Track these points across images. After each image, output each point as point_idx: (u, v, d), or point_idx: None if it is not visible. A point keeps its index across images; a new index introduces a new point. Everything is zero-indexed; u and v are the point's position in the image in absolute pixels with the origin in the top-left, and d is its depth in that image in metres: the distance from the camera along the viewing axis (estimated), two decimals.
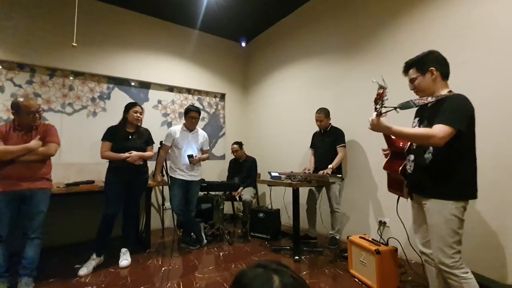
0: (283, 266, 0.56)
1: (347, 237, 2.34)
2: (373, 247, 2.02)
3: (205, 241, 3.07)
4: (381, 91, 1.31)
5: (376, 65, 2.92)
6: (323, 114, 3.07)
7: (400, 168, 1.58)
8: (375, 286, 1.97)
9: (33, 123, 2.12)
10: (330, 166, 2.90)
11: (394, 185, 1.70)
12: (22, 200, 2.03)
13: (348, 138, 3.07)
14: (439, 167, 1.41)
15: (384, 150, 1.76)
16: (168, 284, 2.17)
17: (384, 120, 1.40)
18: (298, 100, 3.92)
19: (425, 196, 1.46)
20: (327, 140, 3.08)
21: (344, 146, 3.01)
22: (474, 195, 1.41)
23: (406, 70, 1.59)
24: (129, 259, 2.55)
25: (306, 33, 3.80)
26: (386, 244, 2.12)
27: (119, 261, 2.49)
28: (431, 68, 1.47)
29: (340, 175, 2.94)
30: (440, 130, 1.32)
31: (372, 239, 2.21)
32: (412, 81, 1.56)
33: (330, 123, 3.14)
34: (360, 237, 2.26)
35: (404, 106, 1.41)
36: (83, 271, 2.30)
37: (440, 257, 1.38)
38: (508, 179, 1.95)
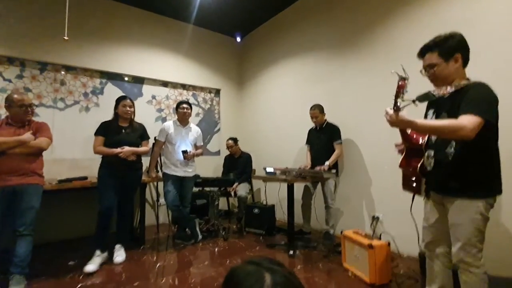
0: (276, 264, 0.55)
1: (341, 232, 2.37)
2: (366, 242, 2.05)
3: (200, 236, 3.07)
4: (402, 82, 1.17)
5: (371, 62, 2.93)
6: (318, 110, 3.08)
7: (419, 165, 1.45)
8: (368, 279, 2.00)
9: (24, 117, 2.11)
10: (326, 163, 2.91)
11: (410, 182, 1.57)
12: (13, 196, 2.00)
13: (342, 134, 3.08)
14: (464, 163, 1.29)
15: (397, 145, 1.63)
16: (163, 280, 2.17)
17: (404, 114, 1.24)
18: (293, 96, 3.92)
19: (451, 195, 1.34)
20: (323, 137, 3.09)
21: (341, 143, 3.02)
22: (500, 190, 1.32)
23: (422, 53, 1.40)
24: (124, 255, 2.54)
25: (301, 28, 3.79)
26: (379, 239, 2.15)
27: (114, 257, 2.48)
28: (457, 54, 1.31)
29: (335, 171, 2.96)
30: (469, 121, 1.17)
31: (366, 233, 2.24)
32: (430, 66, 1.37)
33: (326, 119, 3.15)
34: (354, 232, 2.28)
35: (423, 98, 1.27)
36: (90, 267, 2.26)
37: (462, 256, 1.30)
38: None
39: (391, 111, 1.25)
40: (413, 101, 1.26)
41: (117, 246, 2.57)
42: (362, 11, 3.02)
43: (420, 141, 1.49)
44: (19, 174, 2.02)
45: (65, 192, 2.75)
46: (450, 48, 1.33)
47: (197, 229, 3.11)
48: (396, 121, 1.25)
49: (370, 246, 2.00)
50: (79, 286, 2.06)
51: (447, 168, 1.35)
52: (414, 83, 1.55)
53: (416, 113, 1.57)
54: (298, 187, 3.15)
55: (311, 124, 3.27)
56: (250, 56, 4.84)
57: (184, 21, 4.30)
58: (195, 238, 3.03)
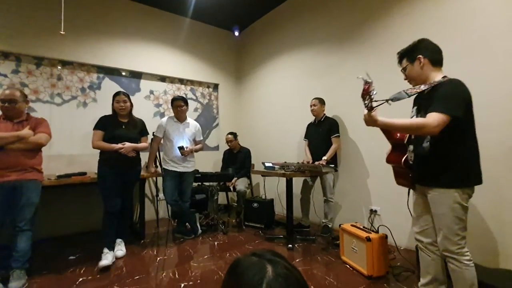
0: (277, 256, 0.56)
1: (339, 225, 2.39)
2: (364, 235, 2.07)
3: (200, 231, 3.10)
4: (366, 86, 1.30)
5: (370, 55, 2.92)
6: (317, 100, 3.13)
7: (403, 160, 1.57)
8: (366, 271, 2.04)
9: (7, 113, 2.08)
10: (324, 157, 2.93)
11: (401, 177, 1.69)
12: (13, 191, 2.00)
13: (340, 129, 3.09)
14: (438, 155, 1.40)
15: (387, 153, 1.77)
16: (164, 274, 2.19)
17: (376, 114, 1.37)
18: (292, 90, 3.91)
19: (428, 186, 1.46)
20: (321, 131, 3.11)
21: (338, 136, 3.04)
22: (478, 181, 1.40)
23: (400, 61, 1.61)
24: (124, 250, 2.56)
25: (300, 22, 3.76)
26: (377, 232, 2.18)
27: (114, 252, 2.48)
28: (419, 56, 1.49)
29: (333, 166, 2.98)
30: (433, 119, 1.31)
31: (363, 227, 2.27)
32: (403, 70, 1.58)
33: (325, 113, 3.16)
34: (352, 225, 2.31)
35: (396, 97, 1.39)
36: (104, 262, 2.25)
37: (446, 245, 1.39)
38: (505, 173, 1.97)
39: (365, 112, 1.36)
40: (387, 101, 1.39)
41: (118, 241, 2.58)
42: (361, 3, 3.00)
43: (400, 137, 1.62)
44: (18, 169, 2.02)
45: (64, 188, 2.75)
46: (413, 52, 1.52)
47: (197, 223, 3.13)
48: (368, 120, 1.38)
49: (368, 239, 2.02)
50: (80, 280, 2.08)
51: (424, 161, 1.47)
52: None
53: (400, 111, 1.64)
54: (297, 181, 3.16)
55: (309, 118, 3.28)
56: (248, 51, 4.81)
57: (181, 15, 4.25)
58: (195, 232, 3.05)
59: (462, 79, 1.39)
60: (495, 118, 1.98)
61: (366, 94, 1.32)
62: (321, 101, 3.13)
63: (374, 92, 1.31)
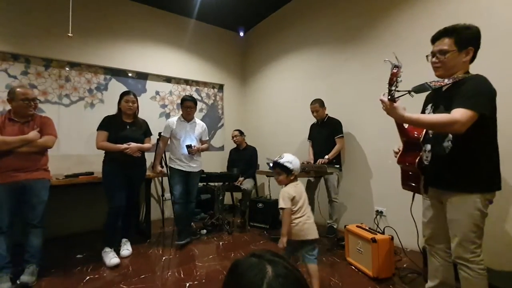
0: (277, 256, 0.56)
1: (344, 226, 2.38)
2: (369, 236, 2.06)
3: (204, 231, 3.11)
4: (395, 70, 1.15)
5: (374, 56, 2.90)
6: (318, 104, 3.09)
7: (417, 160, 1.42)
8: (371, 273, 2.02)
9: (27, 111, 2.08)
10: (326, 156, 2.92)
11: (409, 181, 1.54)
12: (22, 191, 2.03)
13: (344, 129, 3.07)
14: (460, 157, 1.27)
15: (396, 153, 1.60)
16: (169, 273, 2.21)
17: (399, 106, 1.23)
18: (296, 91, 3.90)
19: (447, 190, 1.33)
20: (325, 131, 3.10)
21: (342, 137, 3.02)
22: (499, 186, 1.29)
23: (438, 37, 1.35)
24: (130, 249, 2.59)
25: (305, 23, 3.75)
26: (383, 233, 2.16)
27: (120, 251, 2.53)
28: (470, 47, 1.29)
29: (338, 166, 2.96)
30: (462, 115, 1.16)
31: (369, 228, 2.25)
32: (442, 52, 1.31)
33: (327, 114, 3.15)
34: (357, 226, 2.29)
35: (419, 89, 1.26)
36: (115, 260, 2.31)
37: (460, 253, 1.29)
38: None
39: (385, 99, 1.25)
40: (409, 92, 1.25)
41: (123, 240, 2.61)
42: (366, 5, 2.98)
43: (416, 135, 1.47)
44: (26, 171, 2.05)
45: (72, 187, 2.79)
46: (467, 39, 1.29)
47: (192, 228, 3.12)
48: (389, 110, 1.26)
49: (373, 240, 2.01)
50: (87, 278, 2.12)
51: (444, 162, 1.33)
52: (414, 77, 1.55)
53: (414, 108, 1.58)
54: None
55: (314, 119, 3.27)
56: (253, 51, 4.82)
57: (187, 16, 4.29)
58: (190, 235, 2.95)
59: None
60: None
61: (394, 79, 1.17)
62: (321, 104, 3.10)
63: (400, 79, 1.17)
